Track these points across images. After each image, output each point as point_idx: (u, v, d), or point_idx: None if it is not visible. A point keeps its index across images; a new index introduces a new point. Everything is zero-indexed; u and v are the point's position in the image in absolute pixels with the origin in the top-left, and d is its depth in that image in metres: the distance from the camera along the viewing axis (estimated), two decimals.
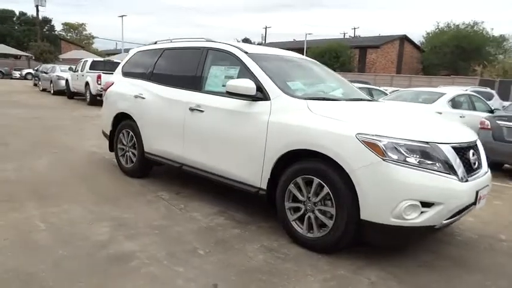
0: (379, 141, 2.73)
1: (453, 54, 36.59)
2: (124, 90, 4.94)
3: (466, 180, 2.87)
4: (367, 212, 2.76)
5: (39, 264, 2.67)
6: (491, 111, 8.77)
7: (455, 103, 8.39)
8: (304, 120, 3.07)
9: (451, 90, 9.28)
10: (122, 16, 38.67)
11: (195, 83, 4.07)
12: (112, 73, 13.39)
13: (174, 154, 4.22)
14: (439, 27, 41.02)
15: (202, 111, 3.85)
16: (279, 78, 3.58)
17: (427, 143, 2.79)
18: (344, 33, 57.23)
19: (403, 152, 2.72)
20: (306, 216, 3.09)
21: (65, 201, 3.89)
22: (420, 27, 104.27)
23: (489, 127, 6.34)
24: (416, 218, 2.71)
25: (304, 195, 3.10)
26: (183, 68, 4.35)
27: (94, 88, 13.35)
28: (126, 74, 5.16)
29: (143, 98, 4.58)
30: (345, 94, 4.06)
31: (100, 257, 2.83)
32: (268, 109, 3.34)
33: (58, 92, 17.36)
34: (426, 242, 3.40)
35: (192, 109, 3.94)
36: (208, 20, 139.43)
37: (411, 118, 3.47)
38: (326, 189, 2.93)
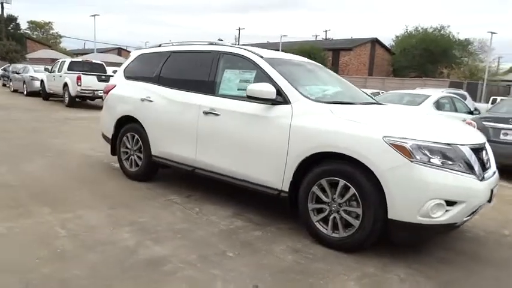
0: (406, 143, 2.85)
1: (421, 57, 37.93)
2: (128, 93, 4.87)
3: (483, 179, 3.04)
4: (395, 212, 2.87)
5: (72, 271, 2.63)
6: (471, 112, 9.20)
7: (439, 105, 8.75)
8: (331, 124, 3.16)
9: (435, 93, 9.67)
10: (94, 15, 37.73)
11: (207, 86, 4.08)
12: (92, 74, 13.36)
13: (185, 157, 4.21)
14: (408, 30, 42.49)
15: (217, 114, 3.86)
16: (297, 82, 3.66)
17: (449, 144, 2.94)
18: (316, 36, 58.07)
19: (427, 153, 2.85)
20: (331, 217, 3.17)
21: (76, 206, 3.82)
22: (390, 30, 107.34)
23: (476, 128, 6.63)
24: (441, 216, 2.84)
25: (328, 196, 3.18)
26: (194, 71, 4.34)
27: (73, 89, 12.96)
28: (129, 77, 5.08)
29: (151, 101, 4.53)
30: (357, 98, 4.17)
31: (132, 262, 2.81)
32: (290, 113, 3.40)
33: (32, 93, 16.73)
34: (438, 239, 3.56)
35: (206, 112, 3.95)
36: (180, 19, 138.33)
37: (428, 121, 3.63)
38: (352, 190, 3.03)
